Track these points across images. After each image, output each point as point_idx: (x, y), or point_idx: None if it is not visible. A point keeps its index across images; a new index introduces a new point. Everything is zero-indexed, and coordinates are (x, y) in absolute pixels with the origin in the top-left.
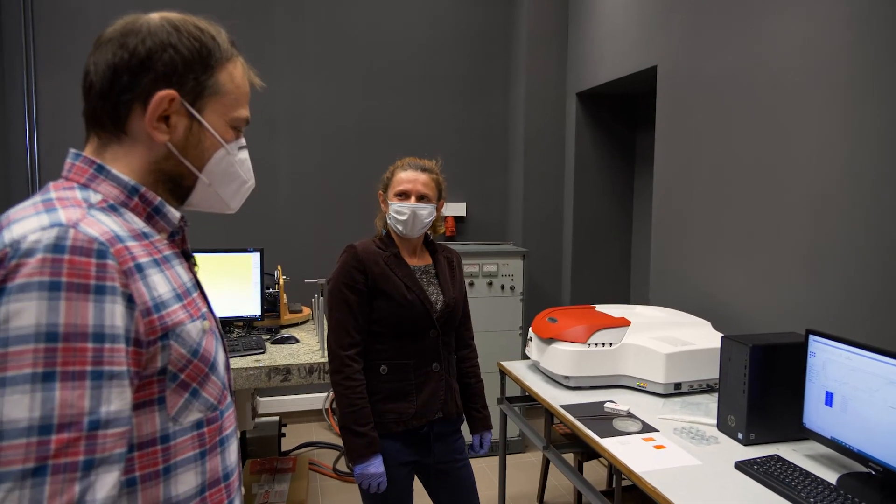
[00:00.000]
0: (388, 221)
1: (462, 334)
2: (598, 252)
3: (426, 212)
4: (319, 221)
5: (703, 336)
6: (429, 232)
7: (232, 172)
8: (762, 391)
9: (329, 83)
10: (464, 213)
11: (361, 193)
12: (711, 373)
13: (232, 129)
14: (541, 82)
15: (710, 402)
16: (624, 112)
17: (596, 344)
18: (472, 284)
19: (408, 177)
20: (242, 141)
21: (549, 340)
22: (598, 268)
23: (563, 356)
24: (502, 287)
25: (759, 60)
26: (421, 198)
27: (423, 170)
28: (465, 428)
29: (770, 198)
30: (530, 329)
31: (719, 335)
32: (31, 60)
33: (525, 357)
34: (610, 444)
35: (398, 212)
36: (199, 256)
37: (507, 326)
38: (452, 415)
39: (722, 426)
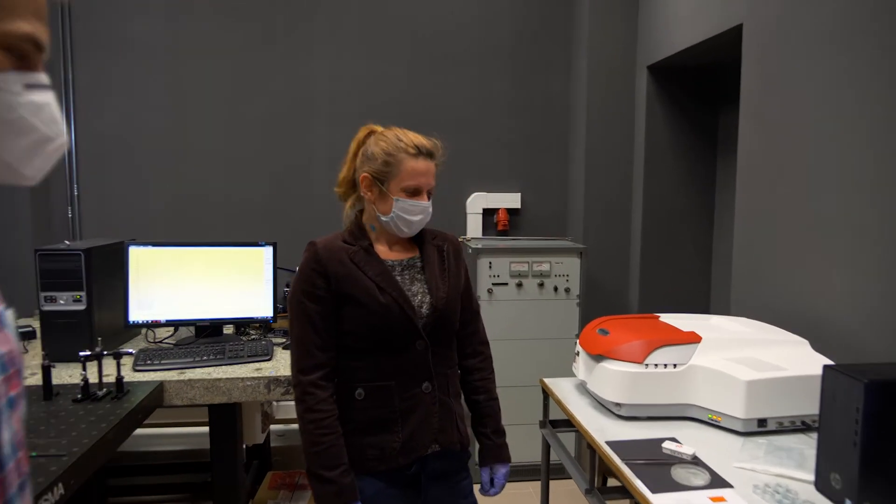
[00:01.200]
0: (383, 219)
1: (468, 339)
2: (671, 250)
3: (431, 208)
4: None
5: (798, 359)
6: None
7: (13, 121)
8: (882, 443)
9: (369, 60)
10: (518, 205)
11: None
12: (809, 407)
13: (3, 51)
14: (606, 55)
15: (807, 447)
16: (704, 87)
17: (656, 364)
18: (520, 285)
19: (422, 168)
20: (36, 76)
21: (599, 358)
22: (670, 269)
23: (614, 378)
24: (555, 289)
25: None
26: (428, 191)
27: (433, 156)
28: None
29: (889, 184)
30: (577, 342)
31: (820, 359)
32: (69, 46)
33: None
34: None
35: (407, 211)
36: (203, 251)
37: (560, 334)
38: (454, 446)
39: (822, 486)
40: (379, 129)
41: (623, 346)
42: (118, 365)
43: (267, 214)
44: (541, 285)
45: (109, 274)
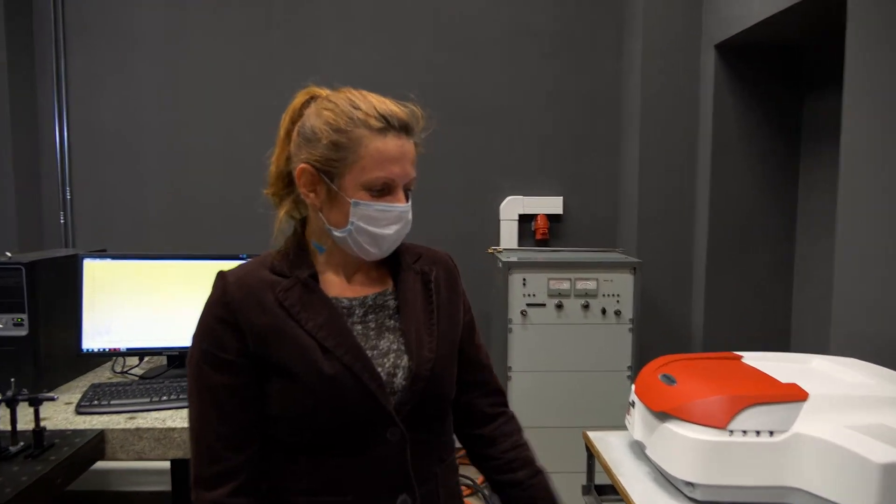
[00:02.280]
0: (335, 234)
1: (478, 397)
2: (743, 266)
3: (411, 214)
4: None
5: None
6: None
7: None
8: None
9: (384, 42)
10: (560, 211)
11: (429, 180)
12: None
13: None
14: (665, 32)
15: None
16: (784, 68)
17: (744, 431)
18: (560, 307)
19: (394, 150)
20: None
21: (663, 416)
22: (743, 289)
23: (685, 447)
24: (604, 311)
25: None
26: (406, 187)
27: (410, 130)
28: None
29: None
30: (633, 389)
31: None
32: (61, 36)
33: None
34: None
35: (373, 220)
36: (174, 265)
37: (609, 366)
38: None
39: None
40: (324, 92)
41: (697, 401)
42: (36, 413)
43: (273, 218)
44: (585, 307)
45: (62, 293)
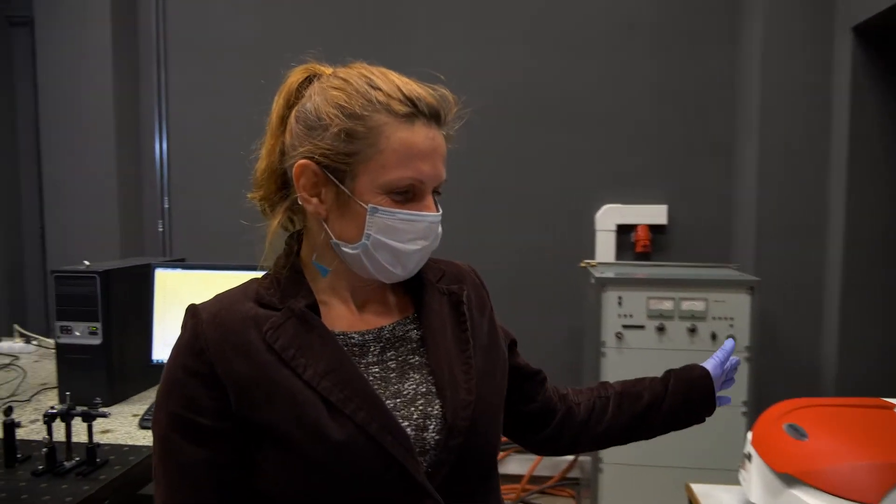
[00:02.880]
0: (346, 251)
1: (536, 404)
2: (889, 287)
3: (441, 227)
4: (464, 226)
5: None
6: None
7: None
8: None
9: (477, 43)
10: (664, 221)
11: (519, 185)
12: None
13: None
14: (790, 16)
15: None
16: None
17: None
18: (661, 330)
19: (423, 144)
20: None
21: (789, 479)
22: (886, 313)
23: None
24: (713, 336)
25: None
26: (436, 190)
27: (438, 119)
28: None
29: None
30: (749, 439)
31: None
32: (162, 50)
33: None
34: None
35: (396, 234)
36: (242, 276)
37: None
38: None
39: None
40: (328, 70)
41: (837, 467)
42: (90, 428)
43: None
44: (692, 331)
45: (136, 303)
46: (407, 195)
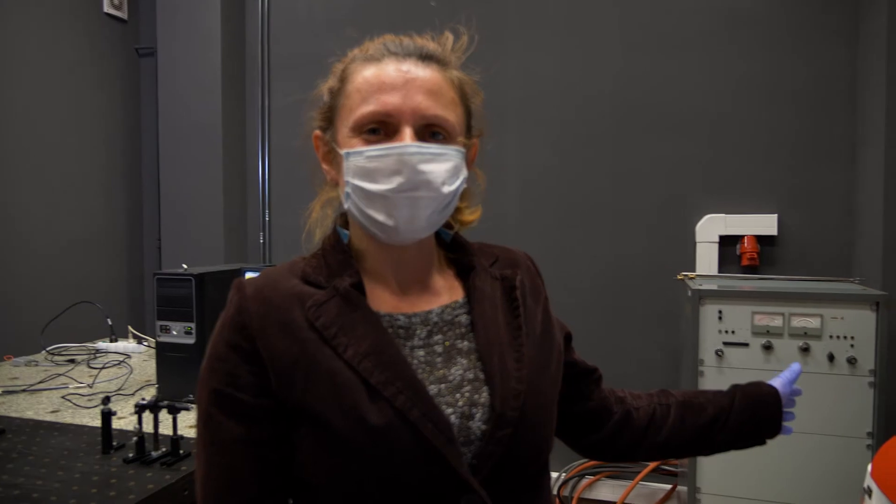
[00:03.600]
0: (347, 206)
1: (593, 403)
2: None
3: (447, 166)
4: (555, 236)
5: None
6: (452, 223)
7: None
8: None
9: (570, 48)
10: (774, 231)
11: (613, 194)
12: None
13: None
14: None
15: None
16: None
17: None
18: (768, 348)
19: (388, 75)
20: None
21: None
22: None
23: None
24: (831, 357)
25: None
26: (430, 131)
27: (425, 57)
28: None
29: None
30: (868, 473)
31: None
32: (266, 70)
33: None
34: None
35: (365, 174)
36: None
37: (839, 429)
38: None
39: None
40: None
41: None
42: (174, 421)
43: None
44: (805, 350)
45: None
46: (377, 133)
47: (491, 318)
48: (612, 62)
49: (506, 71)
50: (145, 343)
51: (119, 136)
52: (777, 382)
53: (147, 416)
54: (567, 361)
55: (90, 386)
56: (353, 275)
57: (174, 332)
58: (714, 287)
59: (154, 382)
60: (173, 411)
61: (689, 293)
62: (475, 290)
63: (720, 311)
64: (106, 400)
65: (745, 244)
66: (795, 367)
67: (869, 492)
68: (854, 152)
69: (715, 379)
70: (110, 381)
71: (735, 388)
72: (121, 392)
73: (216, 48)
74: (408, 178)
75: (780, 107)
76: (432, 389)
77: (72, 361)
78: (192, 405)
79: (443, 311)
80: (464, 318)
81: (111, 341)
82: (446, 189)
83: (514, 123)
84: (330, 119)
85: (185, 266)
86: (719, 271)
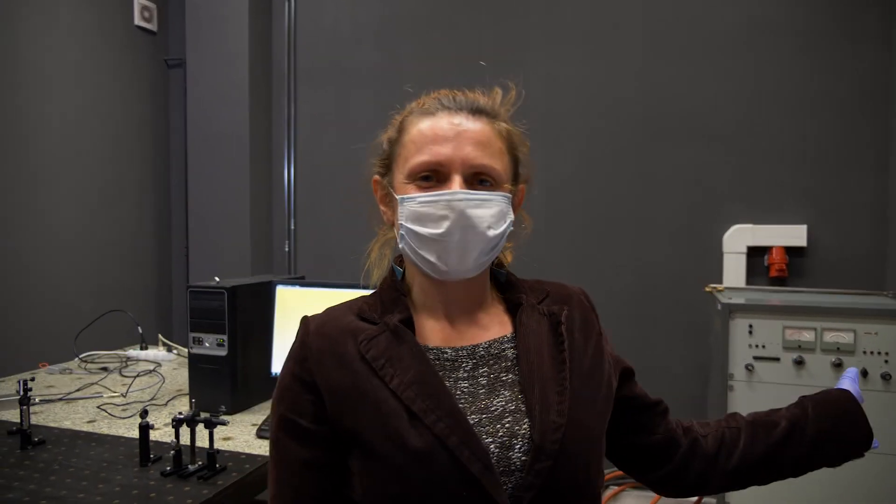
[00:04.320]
0: (402, 246)
1: (658, 435)
2: None
3: (492, 211)
4: (580, 244)
5: None
6: (501, 261)
7: None
8: None
9: (593, 57)
10: (803, 243)
11: (638, 204)
12: None
13: None
14: None
15: None
16: None
17: None
18: (800, 363)
19: (441, 128)
20: None
21: None
22: None
23: None
24: (865, 373)
25: None
26: (478, 178)
27: (476, 111)
28: None
29: None
30: None
31: None
32: (293, 81)
33: None
34: None
35: (418, 218)
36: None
37: (880, 448)
38: None
39: None
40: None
41: None
42: (211, 435)
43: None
44: (837, 365)
45: (259, 317)
46: (430, 181)
47: (535, 352)
48: (636, 71)
49: (529, 82)
50: (174, 351)
51: (149, 146)
52: (845, 385)
53: (183, 429)
54: (628, 396)
55: (124, 395)
56: (404, 311)
57: (206, 344)
58: (742, 300)
59: (186, 392)
60: (210, 426)
61: (719, 307)
62: (521, 326)
63: (751, 326)
64: (144, 413)
65: (774, 255)
66: (852, 371)
67: None
68: (886, 160)
69: (745, 394)
70: (143, 391)
71: (804, 398)
72: (154, 402)
73: (244, 59)
74: (455, 221)
75: (810, 114)
76: (473, 419)
77: (105, 370)
78: (228, 419)
79: (490, 344)
80: (510, 353)
81: (142, 349)
82: (492, 232)
83: (538, 133)
84: (388, 166)
85: (217, 279)
86: (747, 283)
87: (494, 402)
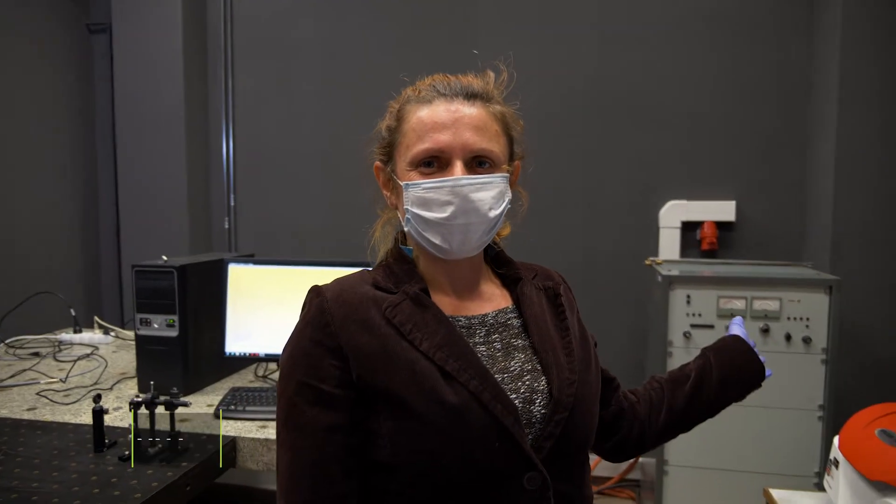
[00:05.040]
0: (407, 229)
1: (615, 409)
2: None
3: (493, 193)
4: (527, 222)
5: None
6: (495, 241)
7: None
8: None
9: (546, 41)
10: (732, 217)
11: (582, 182)
12: None
13: None
14: (870, 4)
15: None
16: None
17: None
18: None
19: (439, 115)
20: None
21: (883, 488)
22: None
23: None
24: (788, 337)
25: None
26: (477, 161)
27: (470, 95)
28: None
29: None
30: (835, 444)
31: None
32: (230, 54)
33: (819, 486)
34: None
35: (424, 203)
36: (312, 271)
37: (795, 403)
38: None
39: None
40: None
41: None
42: (172, 417)
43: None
44: (765, 331)
45: (210, 297)
46: (432, 167)
47: (541, 320)
48: (583, 54)
49: (485, 64)
50: (112, 333)
51: (71, 118)
52: (735, 331)
53: (140, 412)
54: None
55: (63, 381)
56: (420, 281)
57: (155, 325)
58: (677, 272)
59: (130, 375)
60: (171, 408)
61: (660, 279)
62: (524, 297)
63: (688, 296)
64: (97, 398)
65: (705, 229)
66: (737, 318)
67: (836, 463)
68: (808, 143)
69: (683, 358)
70: (83, 375)
71: (706, 349)
72: (98, 387)
73: (176, 24)
74: (458, 206)
75: (739, 99)
76: (497, 378)
77: (36, 355)
78: (189, 402)
79: (497, 314)
80: (515, 322)
81: (75, 332)
82: (493, 213)
83: None
84: (389, 153)
85: (165, 257)
86: (681, 256)
87: (512, 364)
